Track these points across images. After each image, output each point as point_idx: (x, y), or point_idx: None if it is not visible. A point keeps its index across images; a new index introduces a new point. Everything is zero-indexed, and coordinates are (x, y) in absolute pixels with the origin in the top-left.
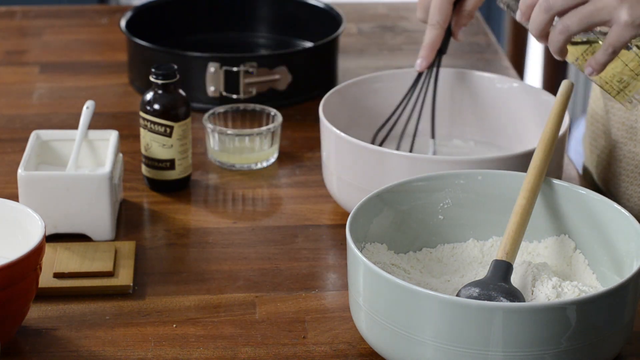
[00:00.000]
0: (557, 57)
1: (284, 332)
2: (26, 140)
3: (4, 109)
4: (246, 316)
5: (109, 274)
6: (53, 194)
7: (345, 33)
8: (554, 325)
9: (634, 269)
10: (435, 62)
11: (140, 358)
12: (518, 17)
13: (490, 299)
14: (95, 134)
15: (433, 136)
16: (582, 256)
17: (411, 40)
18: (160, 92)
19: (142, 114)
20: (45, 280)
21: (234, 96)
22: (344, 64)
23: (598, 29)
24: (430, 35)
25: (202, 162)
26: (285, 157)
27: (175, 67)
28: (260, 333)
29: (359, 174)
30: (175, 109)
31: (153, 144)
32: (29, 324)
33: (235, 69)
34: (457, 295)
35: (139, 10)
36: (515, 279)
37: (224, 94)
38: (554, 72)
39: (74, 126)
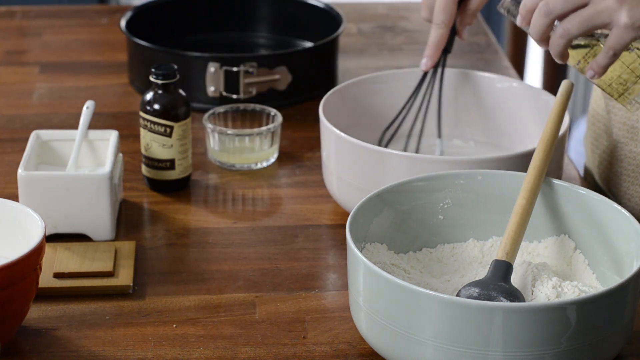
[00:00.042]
0: (558, 61)
1: (284, 332)
2: (26, 140)
3: (4, 109)
4: (246, 316)
5: (109, 274)
6: (53, 194)
7: (345, 33)
8: (554, 325)
9: (634, 269)
10: (441, 62)
11: (140, 358)
12: (518, 21)
13: (490, 299)
14: (95, 134)
15: (439, 135)
16: (582, 256)
17: (411, 40)
18: (160, 92)
19: (142, 114)
20: (45, 280)
21: (234, 96)
22: (344, 64)
23: (599, 31)
24: (435, 35)
25: (202, 162)
26: (285, 157)
27: (175, 67)
28: (260, 333)
29: (359, 174)
30: (175, 109)
31: (153, 144)
32: (29, 324)
33: (235, 69)
34: (457, 295)
35: (139, 10)
36: (515, 279)
37: (224, 94)
38: (554, 72)
39: (74, 126)
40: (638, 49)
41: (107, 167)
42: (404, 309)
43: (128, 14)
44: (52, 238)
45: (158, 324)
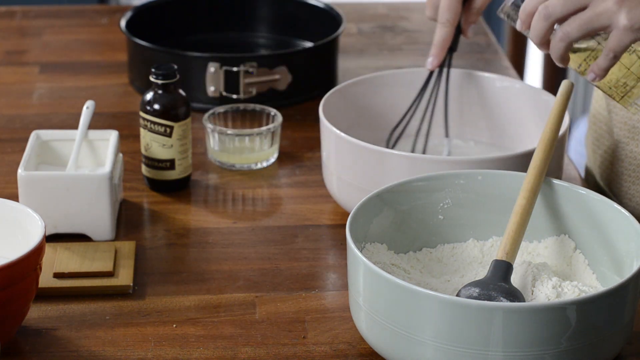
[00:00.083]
0: (559, 65)
1: (284, 332)
2: (26, 140)
3: (4, 109)
4: (246, 316)
5: (109, 274)
6: (53, 194)
7: (345, 33)
8: (554, 325)
9: (634, 269)
10: (446, 60)
11: (140, 358)
12: (518, 26)
13: (490, 299)
14: (95, 134)
15: (447, 135)
16: (582, 256)
17: (411, 40)
18: (160, 92)
19: (142, 114)
20: (45, 280)
21: (234, 96)
22: (344, 64)
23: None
24: (441, 34)
25: (202, 162)
26: (285, 157)
27: (175, 67)
28: (260, 333)
29: (359, 174)
30: (175, 109)
31: (153, 144)
32: (29, 324)
33: (235, 69)
34: (457, 295)
35: (139, 10)
36: (515, 279)
37: (224, 94)
38: (554, 72)
39: (74, 126)
40: (638, 50)
41: (107, 167)
42: (404, 309)
43: (128, 14)
44: (52, 238)
45: (158, 324)
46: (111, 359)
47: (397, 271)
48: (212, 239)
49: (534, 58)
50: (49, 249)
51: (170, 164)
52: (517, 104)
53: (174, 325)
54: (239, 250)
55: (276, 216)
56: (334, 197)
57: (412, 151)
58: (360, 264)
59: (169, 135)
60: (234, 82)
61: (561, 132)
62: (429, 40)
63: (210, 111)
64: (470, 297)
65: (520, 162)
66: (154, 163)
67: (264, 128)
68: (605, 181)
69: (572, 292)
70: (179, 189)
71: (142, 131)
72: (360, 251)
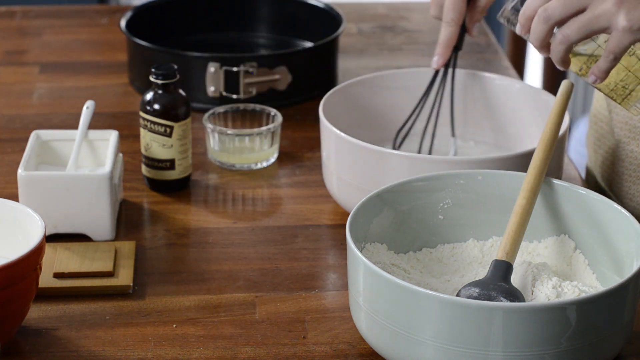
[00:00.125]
0: (560, 68)
1: (284, 332)
2: (26, 140)
3: (4, 109)
4: (246, 316)
5: (109, 274)
6: (53, 194)
7: (345, 33)
8: (554, 325)
9: (634, 269)
10: (452, 60)
11: (140, 358)
12: (518, 30)
13: (490, 299)
14: (95, 134)
15: (453, 134)
16: (582, 256)
17: (411, 40)
18: (160, 92)
19: (142, 114)
20: (45, 280)
21: (234, 96)
22: (344, 64)
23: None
24: (446, 33)
25: (202, 162)
26: (285, 157)
27: (175, 67)
28: (260, 333)
29: (359, 174)
30: (175, 109)
31: (153, 144)
32: (29, 324)
33: (235, 69)
34: (457, 295)
35: (139, 10)
36: (515, 279)
37: (224, 94)
38: (554, 72)
39: (74, 126)
40: (638, 53)
41: (107, 167)
42: (404, 309)
43: (128, 14)
44: (52, 238)
45: (158, 324)
46: (111, 359)
47: (397, 271)
48: (212, 239)
49: (534, 58)
50: (49, 249)
51: (170, 164)
52: (517, 104)
53: (174, 325)
54: (239, 250)
55: (276, 216)
56: (334, 197)
57: (419, 151)
58: (360, 264)
59: (169, 135)
60: (234, 82)
61: (561, 132)
62: (429, 40)
63: (210, 111)
64: (470, 297)
65: (520, 162)
66: (154, 163)
67: (264, 128)
68: (606, 181)
69: (572, 292)
70: (179, 189)
71: (142, 131)
72: (360, 251)
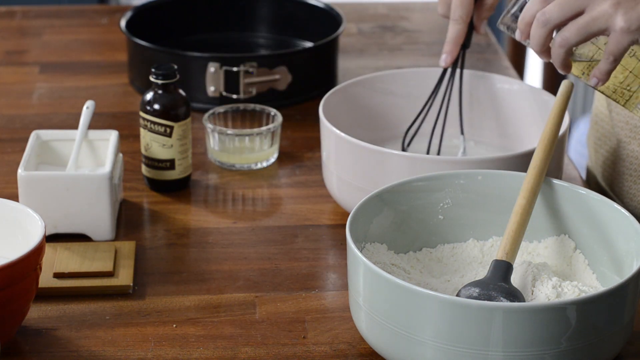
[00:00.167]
0: (562, 72)
1: (284, 332)
2: (26, 140)
3: (4, 109)
4: (246, 316)
5: (109, 274)
6: (53, 194)
7: (345, 33)
8: (554, 325)
9: (634, 269)
10: (459, 58)
11: (140, 358)
12: (518, 36)
13: (490, 299)
14: (95, 134)
15: (462, 132)
16: (582, 256)
17: (411, 40)
18: (160, 92)
19: (142, 114)
20: (45, 280)
21: (234, 96)
22: (344, 64)
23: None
24: (454, 30)
25: (202, 162)
26: (285, 157)
27: (175, 67)
28: (260, 333)
29: (359, 174)
30: (175, 109)
31: (153, 144)
32: (29, 324)
33: (235, 69)
34: (457, 295)
35: (139, 10)
36: (515, 279)
37: (224, 94)
38: (554, 72)
39: (74, 126)
40: (639, 54)
41: (107, 167)
42: (404, 309)
43: (128, 14)
44: (52, 238)
45: (158, 324)
46: (111, 359)
47: (397, 271)
48: (212, 239)
49: (534, 58)
50: (49, 249)
51: (170, 164)
52: (517, 104)
53: (174, 325)
54: (239, 250)
55: (276, 216)
56: (334, 197)
57: (428, 151)
58: (360, 264)
59: (169, 135)
60: (234, 82)
61: (561, 132)
62: (429, 40)
63: (210, 111)
64: (470, 297)
65: (520, 162)
66: (154, 163)
67: (264, 128)
68: (607, 181)
69: (572, 292)
70: (179, 189)
71: (142, 131)
72: (360, 251)
